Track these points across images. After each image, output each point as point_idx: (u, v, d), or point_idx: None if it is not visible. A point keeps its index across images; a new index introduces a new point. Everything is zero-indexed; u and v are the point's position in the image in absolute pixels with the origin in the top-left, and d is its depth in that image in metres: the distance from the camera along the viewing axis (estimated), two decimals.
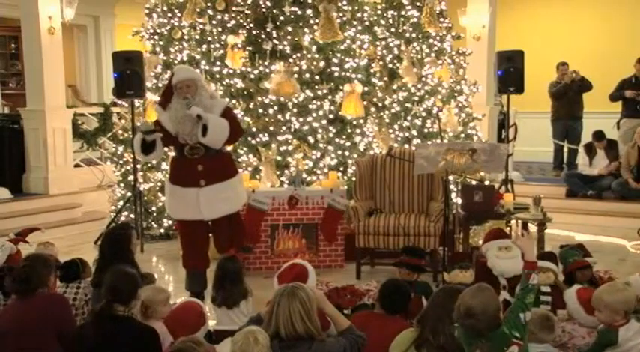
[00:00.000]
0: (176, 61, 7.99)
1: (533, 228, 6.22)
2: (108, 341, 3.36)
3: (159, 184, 8.00)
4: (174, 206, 5.49)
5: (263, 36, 7.54)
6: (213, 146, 5.31)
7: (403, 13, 7.85)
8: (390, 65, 7.72)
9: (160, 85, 8.12)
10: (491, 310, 2.92)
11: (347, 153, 7.27)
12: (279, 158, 7.09)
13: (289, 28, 7.43)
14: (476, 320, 2.91)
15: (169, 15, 8.21)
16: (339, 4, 7.47)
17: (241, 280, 4.47)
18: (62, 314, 3.80)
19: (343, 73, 7.34)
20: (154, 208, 7.98)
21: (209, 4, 7.79)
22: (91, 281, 4.55)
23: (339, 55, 7.39)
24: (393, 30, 7.79)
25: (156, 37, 8.32)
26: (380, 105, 7.56)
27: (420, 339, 3.21)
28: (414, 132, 7.52)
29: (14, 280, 3.79)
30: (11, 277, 3.87)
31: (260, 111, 7.33)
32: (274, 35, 7.47)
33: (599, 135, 9.16)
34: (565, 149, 10.35)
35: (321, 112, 7.21)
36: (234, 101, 7.47)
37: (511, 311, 2.98)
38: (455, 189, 6.92)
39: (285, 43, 7.42)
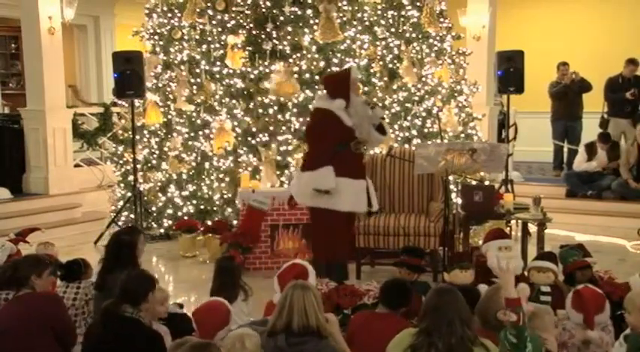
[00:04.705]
0: (176, 61, 8.00)
1: (533, 228, 6.22)
2: (113, 342, 3.35)
3: (159, 184, 8.00)
4: (346, 199, 5.45)
5: (263, 36, 7.54)
6: (377, 144, 5.82)
7: (403, 13, 7.84)
8: (390, 65, 7.72)
9: (160, 84, 8.15)
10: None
11: None
12: (279, 158, 7.09)
13: (289, 28, 7.43)
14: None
15: (169, 15, 8.21)
16: (339, 4, 7.46)
17: (239, 278, 4.50)
18: (57, 314, 3.79)
19: None
20: (153, 208, 7.97)
21: (209, 4, 7.79)
22: (93, 284, 4.53)
23: (339, 55, 7.38)
24: (393, 30, 7.78)
25: (156, 37, 8.33)
26: (380, 105, 7.55)
27: (416, 342, 3.18)
28: (414, 132, 7.51)
29: None
30: None
31: (260, 111, 7.32)
32: (274, 35, 7.46)
33: (605, 137, 9.12)
34: (565, 149, 10.35)
35: None
36: (234, 101, 7.47)
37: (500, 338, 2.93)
38: (455, 189, 6.92)
39: (285, 43, 7.42)
